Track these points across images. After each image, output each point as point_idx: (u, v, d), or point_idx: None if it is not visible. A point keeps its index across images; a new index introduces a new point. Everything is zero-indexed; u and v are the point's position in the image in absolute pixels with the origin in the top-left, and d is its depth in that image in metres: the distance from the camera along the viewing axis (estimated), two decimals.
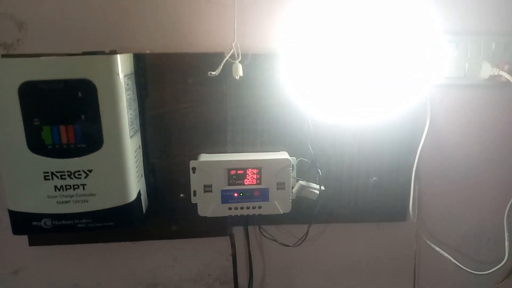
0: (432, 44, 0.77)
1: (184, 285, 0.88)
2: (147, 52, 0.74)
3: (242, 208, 0.77)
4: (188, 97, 0.76)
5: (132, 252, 0.84)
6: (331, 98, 0.77)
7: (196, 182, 0.77)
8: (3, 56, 0.71)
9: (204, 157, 0.76)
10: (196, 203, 0.78)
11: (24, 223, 0.66)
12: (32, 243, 0.80)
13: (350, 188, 0.84)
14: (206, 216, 0.76)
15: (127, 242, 0.83)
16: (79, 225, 0.67)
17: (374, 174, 0.83)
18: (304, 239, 0.81)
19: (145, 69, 0.73)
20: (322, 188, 0.79)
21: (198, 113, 0.76)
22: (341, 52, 0.75)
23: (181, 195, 0.80)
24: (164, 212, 0.80)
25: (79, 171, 0.64)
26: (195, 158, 0.78)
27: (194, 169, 0.77)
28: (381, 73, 0.76)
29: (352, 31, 0.76)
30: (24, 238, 0.79)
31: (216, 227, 0.82)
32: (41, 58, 0.60)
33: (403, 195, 0.84)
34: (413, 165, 0.82)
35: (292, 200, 0.77)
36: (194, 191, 0.78)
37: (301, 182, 0.78)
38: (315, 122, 0.78)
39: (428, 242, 0.86)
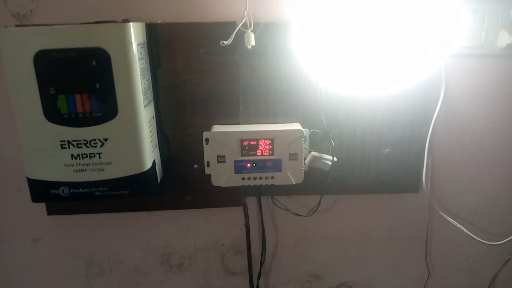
0: (448, 11, 0.75)
1: (198, 254, 0.89)
2: (159, 22, 0.73)
3: (255, 178, 0.77)
4: (200, 67, 0.75)
5: (147, 222, 0.86)
6: (344, 68, 0.76)
7: (209, 153, 0.78)
8: (17, 26, 0.71)
9: (217, 128, 0.77)
10: (210, 174, 0.79)
11: (43, 191, 0.68)
12: (50, 212, 0.82)
13: (363, 159, 0.84)
14: (219, 186, 0.77)
15: (142, 212, 0.85)
16: (95, 193, 0.68)
17: (387, 145, 0.83)
18: (316, 209, 0.82)
19: (157, 39, 0.73)
20: (335, 159, 0.79)
21: (210, 83, 0.76)
22: (355, 20, 0.74)
23: (195, 165, 0.81)
24: (178, 183, 0.81)
25: (95, 139, 0.65)
26: (208, 129, 0.78)
27: (207, 140, 0.78)
28: (395, 42, 0.75)
29: None
30: (43, 208, 0.81)
31: (229, 198, 0.84)
32: (55, 26, 0.60)
33: (416, 167, 0.84)
34: (427, 136, 0.81)
35: (304, 171, 0.77)
36: (208, 162, 0.79)
37: (313, 153, 0.79)
38: (328, 92, 0.78)
39: (441, 213, 0.86)
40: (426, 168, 0.83)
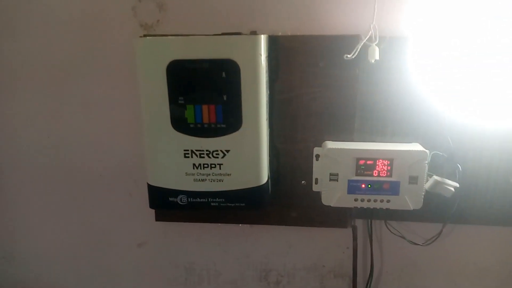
0: None
1: (296, 273, 0.86)
2: (280, 34, 0.72)
3: (369, 200, 0.73)
4: (317, 81, 0.73)
5: (248, 235, 0.85)
6: (471, 92, 0.70)
7: (319, 169, 0.75)
8: (145, 36, 0.74)
9: (330, 145, 0.73)
10: (318, 191, 0.76)
11: (162, 198, 0.69)
12: (158, 218, 0.83)
13: (487, 187, 0.76)
14: (328, 206, 0.74)
15: (245, 225, 0.84)
16: (212, 204, 0.68)
17: None
18: (436, 238, 0.76)
19: (277, 52, 0.72)
20: (457, 185, 0.73)
21: (326, 97, 0.74)
22: (486, 42, 0.68)
23: (303, 181, 0.78)
24: (284, 198, 0.79)
25: (217, 150, 0.65)
26: (319, 144, 0.75)
27: (317, 156, 0.75)
28: None
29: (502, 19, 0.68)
30: (151, 214, 0.83)
31: (336, 218, 0.80)
32: (189, 37, 0.62)
33: None
34: None
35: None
36: (316, 179, 0.76)
37: (435, 177, 0.72)
38: (452, 114, 0.72)
39: None
40: None
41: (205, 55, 0.61)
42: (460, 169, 0.73)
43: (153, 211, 0.83)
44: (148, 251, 0.88)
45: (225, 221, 0.83)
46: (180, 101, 0.63)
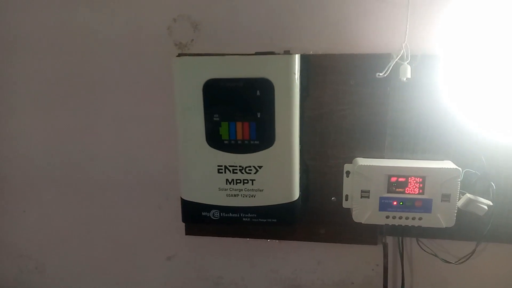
0: None
1: None
2: (311, 53, 0.74)
3: (400, 218, 0.73)
4: (348, 98, 0.74)
5: (277, 250, 0.85)
6: (503, 109, 0.70)
7: (349, 186, 0.75)
8: (180, 55, 0.77)
9: (362, 161, 0.74)
10: (348, 208, 0.76)
11: (195, 213, 0.70)
12: (188, 232, 0.85)
13: None
14: (357, 222, 0.74)
15: (274, 240, 0.84)
16: (244, 219, 0.69)
17: None
18: (470, 257, 0.74)
19: (308, 70, 0.73)
20: (490, 203, 0.72)
21: (357, 115, 0.74)
22: None
23: (333, 198, 0.78)
24: (313, 214, 0.80)
25: (250, 166, 0.66)
26: (349, 161, 0.76)
27: (348, 172, 0.75)
28: None
29: None
30: (181, 227, 0.84)
31: (366, 235, 0.79)
32: (226, 56, 0.63)
33: None
34: None
35: None
36: (346, 196, 0.76)
37: (468, 195, 0.72)
38: (485, 132, 0.71)
39: None
40: None
41: (240, 74, 0.63)
42: (494, 187, 0.72)
43: (182, 224, 0.84)
44: (177, 264, 0.89)
45: (254, 236, 0.84)
46: (215, 118, 0.65)
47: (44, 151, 0.87)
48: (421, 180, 0.71)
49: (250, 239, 0.84)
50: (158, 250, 0.89)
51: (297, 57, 0.63)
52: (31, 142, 0.87)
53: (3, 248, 0.96)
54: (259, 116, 0.64)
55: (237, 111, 0.64)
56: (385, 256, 0.78)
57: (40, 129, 0.86)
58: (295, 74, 0.63)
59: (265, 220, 0.68)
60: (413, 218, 0.72)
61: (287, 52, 0.67)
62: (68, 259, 0.94)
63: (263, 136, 0.65)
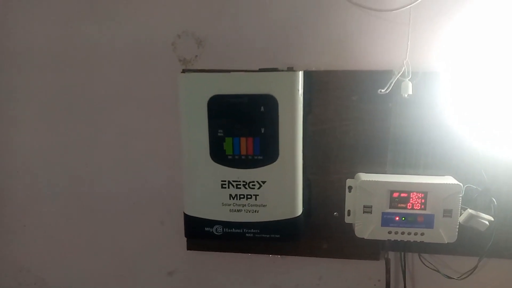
0: None
1: None
2: (314, 69, 0.75)
3: (402, 233, 0.73)
4: (350, 114, 0.75)
5: (278, 266, 0.85)
6: (504, 125, 0.71)
7: (351, 201, 0.75)
8: (184, 71, 0.77)
9: (364, 177, 0.74)
10: (350, 223, 0.77)
11: (197, 228, 0.70)
12: (190, 247, 0.84)
13: None
14: (359, 238, 0.74)
15: (275, 256, 0.84)
16: (247, 234, 0.69)
17: None
18: (472, 272, 0.74)
19: (311, 86, 0.74)
20: (492, 218, 0.72)
21: (359, 130, 0.75)
22: None
23: (335, 213, 0.78)
24: (315, 229, 0.79)
25: (253, 181, 0.66)
26: (352, 176, 0.76)
27: (350, 188, 0.76)
28: None
29: None
30: (182, 242, 0.84)
31: (368, 250, 0.79)
32: (231, 73, 0.64)
33: None
34: None
35: None
36: (349, 211, 0.77)
37: (470, 210, 0.72)
38: (486, 148, 0.72)
39: None
40: None
41: (245, 90, 0.64)
42: (495, 203, 0.72)
43: (184, 239, 0.84)
44: (178, 279, 0.89)
45: (255, 251, 0.83)
46: (219, 134, 0.65)
47: (46, 165, 0.87)
48: (423, 195, 0.71)
49: (252, 254, 0.84)
50: (159, 265, 0.89)
51: (300, 74, 0.64)
52: (33, 156, 0.87)
53: (2, 262, 0.95)
54: (263, 131, 0.64)
55: (241, 126, 0.65)
56: (387, 271, 0.78)
57: (43, 143, 0.86)
58: (298, 90, 0.64)
59: (268, 235, 0.68)
60: (415, 234, 0.72)
61: (291, 69, 0.68)
62: (69, 274, 0.93)
63: (266, 151, 0.65)
